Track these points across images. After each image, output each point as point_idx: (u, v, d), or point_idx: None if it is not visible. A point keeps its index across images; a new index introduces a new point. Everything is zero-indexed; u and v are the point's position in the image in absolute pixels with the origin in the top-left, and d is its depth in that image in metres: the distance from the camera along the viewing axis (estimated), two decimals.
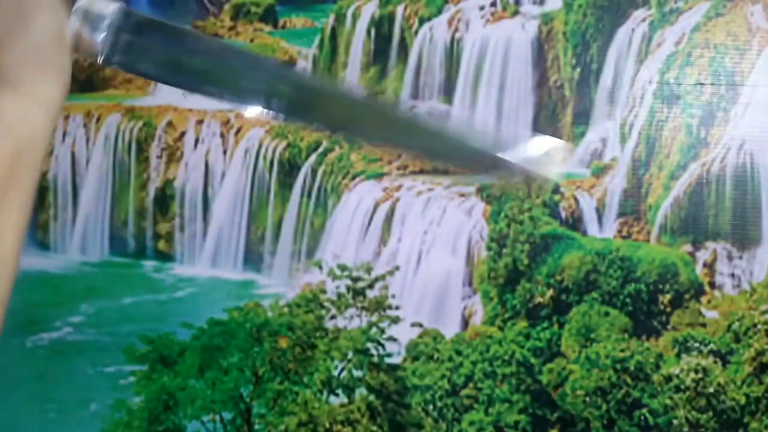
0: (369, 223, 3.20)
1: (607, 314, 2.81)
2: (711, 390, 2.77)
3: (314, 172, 3.24)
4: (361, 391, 2.90)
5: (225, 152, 3.37)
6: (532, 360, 2.81)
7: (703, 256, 2.84)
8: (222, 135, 3.34)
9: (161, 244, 3.58)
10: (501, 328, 2.86)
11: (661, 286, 2.84)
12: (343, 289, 2.97)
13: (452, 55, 3.21)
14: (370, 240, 3.13)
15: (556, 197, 2.90)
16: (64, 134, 3.28)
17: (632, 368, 2.79)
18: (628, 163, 2.87)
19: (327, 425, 2.89)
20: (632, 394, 2.78)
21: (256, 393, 2.93)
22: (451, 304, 2.95)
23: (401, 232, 3.08)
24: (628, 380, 2.78)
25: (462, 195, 3.04)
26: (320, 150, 3.26)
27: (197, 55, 0.74)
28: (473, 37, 3.20)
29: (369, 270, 3.00)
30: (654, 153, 2.84)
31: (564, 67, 2.99)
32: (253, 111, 0.69)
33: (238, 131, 3.35)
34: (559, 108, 3.12)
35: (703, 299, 2.84)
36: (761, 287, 2.79)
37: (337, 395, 2.91)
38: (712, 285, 2.84)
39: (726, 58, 2.79)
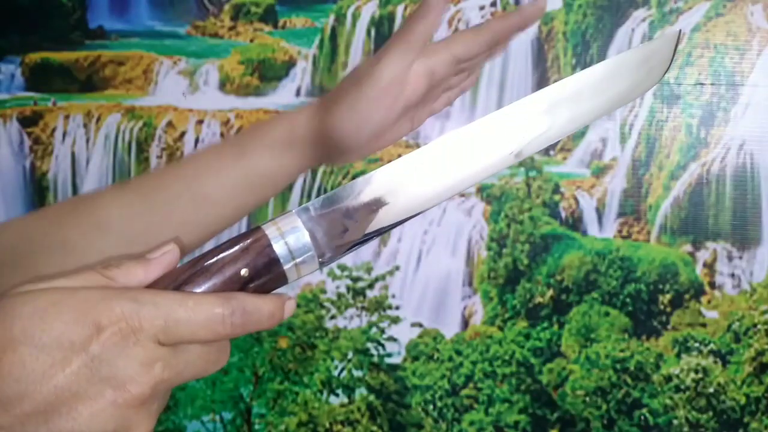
0: None
1: (607, 314, 2.81)
2: (711, 390, 2.77)
3: (314, 172, 3.23)
4: (361, 391, 2.90)
5: None
6: (532, 360, 2.81)
7: (703, 256, 2.84)
8: (222, 135, 3.33)
9: None
10: (501, 328, 2.86)
11: (661, 286, 2.84)
12: (343, 289, 2.97)
13: None
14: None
15: (556, 197, 2.90)
16: (64, 134, 3.28)
17: (632, 368, 2.79)
18: (628, 163, 2.87)
19: (327, 425, 2.89)
20: (632, 394, 2.78)
21: (256, 393, 2.93)
22: (451, 304, 2.95)
23: (401, 232, 3.08)
24: (628, 380, 2.78)
25: (462, 195, 3.04)
26: None
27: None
28: None
29: (369, 270, 3.00)
30: (654, 153, 2.84)
31: (564, 67, 2.99)
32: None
33: (237, 131, 3.35)
34: None
35: (703, 299, 2.84)
36: (761, 287, 2.79)
37: (337, 395, 2.91)
38: (712, 285, 2.84)
39: (726, 58, 2.79)
